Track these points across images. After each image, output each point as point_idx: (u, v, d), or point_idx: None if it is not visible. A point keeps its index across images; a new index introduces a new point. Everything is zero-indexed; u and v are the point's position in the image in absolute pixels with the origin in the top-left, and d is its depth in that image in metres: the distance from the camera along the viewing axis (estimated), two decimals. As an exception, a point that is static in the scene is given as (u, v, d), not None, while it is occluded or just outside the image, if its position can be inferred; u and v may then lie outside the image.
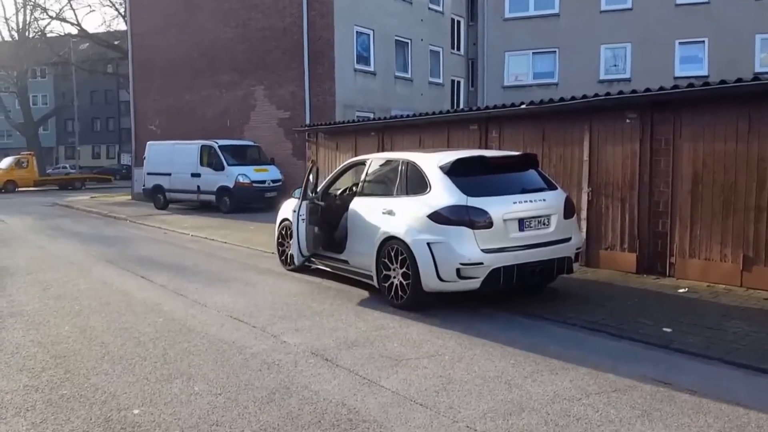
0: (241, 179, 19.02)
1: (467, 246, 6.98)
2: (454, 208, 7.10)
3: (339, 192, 9.52)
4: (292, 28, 21.41)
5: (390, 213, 7.79)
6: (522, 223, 7.27)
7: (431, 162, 7.69)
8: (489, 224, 7.04)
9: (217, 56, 23.75)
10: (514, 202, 7.30)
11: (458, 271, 6.99)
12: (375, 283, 7.92)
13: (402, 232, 7.47)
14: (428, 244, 7.15)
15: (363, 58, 22.25)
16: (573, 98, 9.82)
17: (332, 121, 16.29)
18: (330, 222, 9.14)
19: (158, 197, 21.64)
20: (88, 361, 5.71)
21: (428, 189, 7.47)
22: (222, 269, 10.28)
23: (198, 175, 20.12)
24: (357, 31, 21.95)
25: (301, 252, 8.76)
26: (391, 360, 5.68)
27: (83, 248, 12.80)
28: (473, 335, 6.37)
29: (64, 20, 48.97)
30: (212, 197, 19.59)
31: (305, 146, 16.80)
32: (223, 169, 19.35)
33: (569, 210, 7.80)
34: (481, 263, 6.97)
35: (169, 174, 21.03)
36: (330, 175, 9.65)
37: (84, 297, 8.26)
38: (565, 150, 10.12)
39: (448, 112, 12.13)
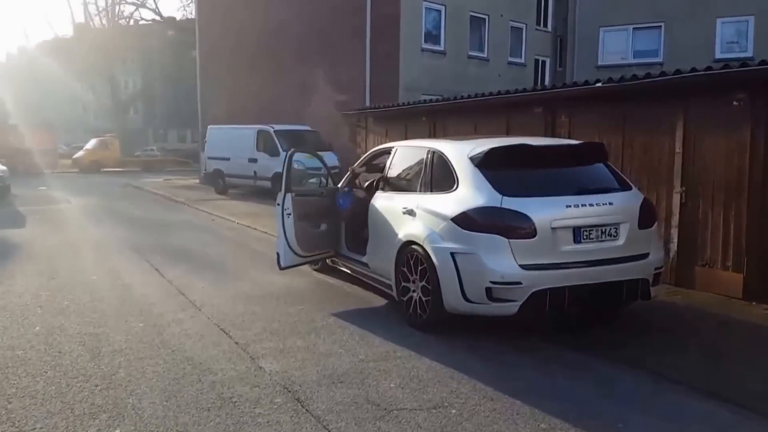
0: (295, 165, 17.93)
1: (501, 260, 5.53)
2: (484, 211, 5.66)
3: (366, 184, 8.19)
4: (355, 4, 20.10)
5: (410, 213, 6.42)
6: (578, 233, 5.72)
7: (460, 152, 6.26)
8: (531, 233, 5.56)
9: (278, 38, 22.86)
10: (568, 206, 5.74)
11: (488, 291, 5.56)
12: (394, 294, 6.59)
13: (422, 237, 6.09)
14: (452, 254, 5.75)
15: (432, 37, 20.71)
16: (663, 74, 8.00)
17: (380, 105, 14.88)
18: (355, 219, 7.87)
19: (218, 182, 21.01)
20: (24, 377, 4.87)
21: (455, 185, 6.04)
22: (243, 264, 9.24)
23: (255, 161, 19.31)
24: (426, 7, 20.41)
25: (293, 251, 7.54)
26: (378, 410, 4.36)
27: (121, 233, 12.14)
28: (499, 379, 4.92)
29: (144, 6, 49.76)
30: (268, 183, 18.70)
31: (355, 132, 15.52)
32: (278, 154, 18.37)
33: (647, 217, 6.14)
34: (519, 283, 5.50)
35: (228, 158, 20.34)
36: (355, 165, 8.34)
37: (82, 290, 7.51)
38: (652, 139, 8.28)
39: (507, 92, 10.47)
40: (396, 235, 6.54)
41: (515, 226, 5.58)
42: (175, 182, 26.85)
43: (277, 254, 7.66)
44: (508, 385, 4.75)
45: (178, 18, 47.25)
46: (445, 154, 6.37)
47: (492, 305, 5.60)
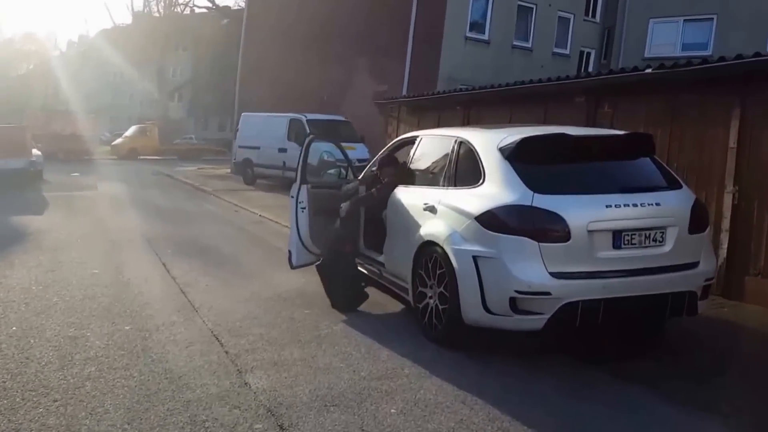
0: (325, 157, 17.37)
1: (529, 266, 4.79)
2: (512, 209, 4.91)
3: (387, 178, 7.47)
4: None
5: (432, 210, 5.70)
6: (618, 237, 4.93)
7: (489, 141, 5.50)
8: (564, 236, 4.80)
9: (321, 26, 22.27)
10: (608, 205, 4.95)
11: (512, 301, 4.82)
12: (411, 300, 5.89)
13: (441, 237, 5.37)
14: (474, 257, 5.01)
15: (477, 25, 19.81)
16: (722, 59, 7.13)
17: (412, 94, 14.12)
18: (373, 214, 7.19)
19: (247, 171, 20.46)
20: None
21: (481, 179, 5.30)
22: (257, 261, 8.65)
23: (284, 150, 18.70)
24: (474, -6, 19.56)
25: (307, 249, 6.88)
26: (371, 441, 3.66)
27: (138, 223, 11.69)
28: (518, 406, 4.17)
29: None
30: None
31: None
32: (309, 144, 17.81)
33: (699, 220, 5.30)
34: (548, 293, 4.75)
35: (258, 147, 19.77)
36: (377, 156, 7.65)
37: (77, 286, 6.97)
38: (704, 133, 7.42)
39: (548, 79, 9.62)
40: (415, 233, 5.84)
41: (547, 228, 4.83)
42: (208, 171, 26.54)
43: (289, 252, 7.04)
44: (529, 415, 4.01)
45: (232, 7, 47.17)
46: (472, 144, 5.62)
47: (516, 318, 4.86)
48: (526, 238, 4.80)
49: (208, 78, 50.47)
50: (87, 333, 5.31)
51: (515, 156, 5.15)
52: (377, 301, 6.62)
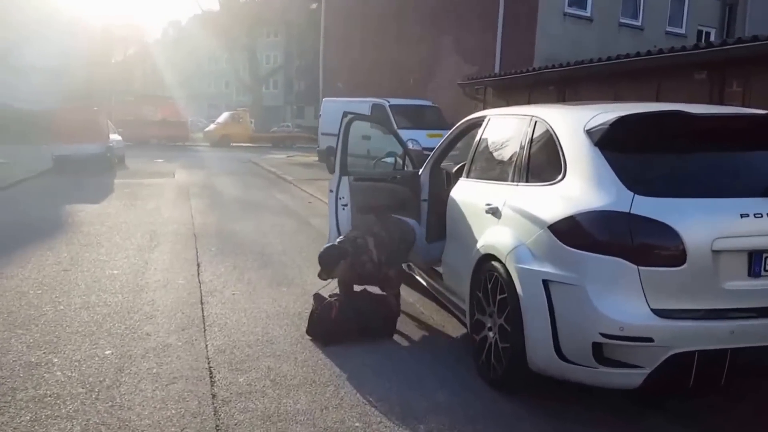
0: (410, 145, 16.09)
1: (622, 299, 3.38)
2: (602, 217, 3.48)
3: (455, 169, 6.11)
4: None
5: (495, 213, 4.33)
6: (758, 261, 3.43)
7: (572, 121, 4.05)
8: (677, 257, 3.34)
9: (405, 5, 20.90)
10: (744, 214, 3.41)
11: (597, 348, 3.42)
12: (467, 326, 4.56)
13: (503, 250, 4.00)
14: (545, 282, 3.62)
15: (577, 0, 17.86)
16: None
17: (500, 72, 12.53)
18: (435, 212, 5.90)
19: (330, 160, 19.44)
20: None
21: (561, 173, 3.87)
22: (304, 263, 7.45)
23: (368, 138, 17.50)
24: (574, -35, 17.61)
25: None
26: None
27: (195, 215, 10.77)
28: None
29: None
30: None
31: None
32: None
33: None
34: (649, 339, 3.32)
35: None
36: (441, 142, 6.32)
37: (80, 291, 6.04)
38: None
39: (660, 51, 7.90)
40: (473, 243, 4.50)
41: (651, 245, 3.38)
42: (296, 159, 25.89)
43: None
44: None
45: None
46: (550, 124, 4.18)
47: (602, 371, 3.43)
48: (620, 259, 3.37)
49: (299, 64, 50.24)
50: (54, 359, 4.28)
51: (608, 141, 3.69)
52: (435, 323, 5.35)
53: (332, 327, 4.76)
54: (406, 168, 6.48)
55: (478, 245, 4.38)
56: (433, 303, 5.84)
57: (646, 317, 3.33)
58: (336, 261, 5.06)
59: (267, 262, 7.48)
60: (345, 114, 5.90)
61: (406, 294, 6.17)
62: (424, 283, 5.90)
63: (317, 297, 5.01)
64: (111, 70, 47.17)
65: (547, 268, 3.64)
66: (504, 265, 3.97)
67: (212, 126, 36.16)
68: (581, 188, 3.68)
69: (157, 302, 5.71)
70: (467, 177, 5.21)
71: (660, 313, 3.33)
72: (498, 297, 4.05)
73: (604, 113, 3.89)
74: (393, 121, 16.79)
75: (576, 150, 3.85)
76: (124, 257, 7.46)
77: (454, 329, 5.21)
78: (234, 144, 34.94)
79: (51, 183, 15.19)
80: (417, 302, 5.99)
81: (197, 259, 7.48)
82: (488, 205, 4.43)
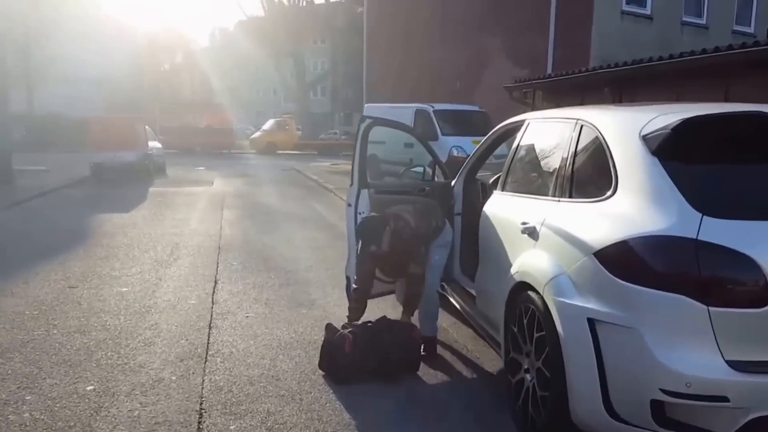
0: (455, 152, 15.35)
1: (689, 347, 2.71)
2: (663, 243, 2.81)
3: (492, 180, 5.45)
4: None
5: (531, 234, 3.68)
6: None
7: (625, 125, 3.39)
8: (758, 295, 2.67)
9: (449, 7, 20.21)
10: None
11: (657, 406, 2.76)
12: (502, 361, 3.92)
13: (540, 279, 3.35)
14: (591, 322, 2.96)
15: (636, -3, 16.87)
16: None
17: (548, 74, 11.74)
18: (468, 227, 5.27)
19: (373, 168, 18.92)
20: None
21: (611, 188, 3.20)
22: (330, 282, 6.82)
23: (411, 145, 16.89)
24: (634, -41, 16.63)
25: None
26: None
27: (224, 227, 10.28)
28: None
29: None
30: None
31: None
32: (436, 138, 15.88)
33: None
34: (723, 398, 2.63)
35: (384, 142, 18.12)
36: (475, 149, 5.69)
37: (80, 313, 5.58)
38: None
39: (729, 47, 7.08)
40: (507, 267, 3.86)
41: (724, 280, 2.71)
42: (340, 167, 25.45)
43: (347, 278, 5.22)
44: None
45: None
46: (599, 129, 3.51)
47: (661, 433, 2.77)
48: (685, 297, 2.69)
49: (345, 70, 49.94)
50: (27, 396, 3.79)
51: (670, 149, 3.00)
52: (470, 353, 4.72)
53: (346, 361, 4.18)
54: (436, 179, 5.84)
55: (513, 271, 3.73)
56: (469, 329, 5.20)
57: (719, 371, 2.64)
58: (383, 228, 4.49)
59: (290, 279, 6.93)
60: (363, 118, 5.27)
61: (439, 318, 5.56)
62: (458, 307, 5.27)
63: (329, 328, 4.43)
64: (159, 78, 47.84)
65: (592, 304, 2.98)
66: (541, 297, 3.32)
67: (258, 133, 36.01)
68: (636, 207, 3.01)
69: (160, 326, 5.22)
70: (502, 190, 4.56)
71: (737, 365, 2.64)
72: (535, 334, 3.40)
73: (664, 115, 3.21)
74: (437, 127, 16.18)
75: (630, 159, 3.17)
76: (137, 272, 7.03)
77: (492, 362, 4.57)
78: (280, 151, 34.76)
79: (85, 191, 15.06)
80: (451, 327, 5.37)
81: (216, 275, 7.00)
82: (524, 224, 3.77)
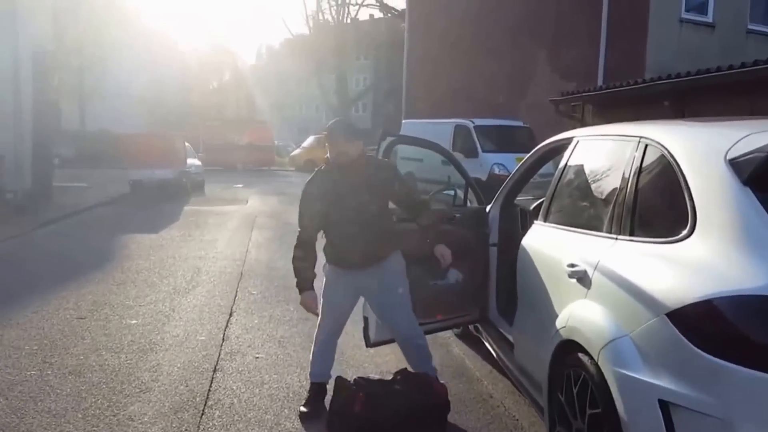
0: (496, 170, 14.64)
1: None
2: (763, 305, 2.06)
3: (533, 206, 4.73)
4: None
5: (581, 279, 2.97)
6: None
7: (705, 147, 2.68)
8: None
9: (493, 17, 19.48)
10: None
11: None
12: (546, 427, 3.21)
13: (595, 340, 2.65)
14: (663, 404, 2.24)
15: (696, 4, 15.83)
16: None
17: (599, 86, 10.90)
18: (505, 261, 4.58)
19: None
20: None
21: (688, 226, 2.46)
22: (354, 314, 6.17)
23: (449, 163, 16.21)
24: (692, -37, 15.69)
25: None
26: None
27: (250, 250, 9.63)
28: None
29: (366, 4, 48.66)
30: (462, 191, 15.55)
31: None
32: (476, 155, 15.19)
33: None
34: None
35: (421, 160, 17.46)
36: (513, 171, 5.00)
37: (80, 350, 5.05)
38: None
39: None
40: (551, 317, 3.16)
41: None
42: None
43: (365, 319, 4.55)
44: None
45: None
46: (669, 150, 2.77)
47: None
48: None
49: (388, 86, 49.59)
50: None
51: (765, 177, 2.29)
52: (506, 412, 4.00)
53: (357, 424, 3.52)
54: (469, 203, 5.17)
55: (558, 325, 3.03)
56: (507, 381, 4.48)
57: None
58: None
59: (306, 315, 6.28)
60: (383, 136, 4.64)
61: (472, 365, 4.87)
62: (493, 354, 4.55)
63: (339, 383, 3.77)
64: (207, 96, 48.29)
65: (665, 382, 2.26)
66: (596, 364, 2.61)
67: (298, 150, 35.68)
68: (721, 252, 2.29)
69: (162, 367, 4.64)
70: (545, 220, 3.84)
71: None
72: (588, 411, 2.68)
73: (758, 134, 2.48)
74: (477, 143, 15.47)
75: (712, 190, 2.45)
76: (151, 302, 6.50)
77: (536, 428, 3.83)
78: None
79: (120, 209, 14.79)
80: (485, 378, 4.64)
81: (233, 306, 6.43)
82: (572, 266, 3.06)
